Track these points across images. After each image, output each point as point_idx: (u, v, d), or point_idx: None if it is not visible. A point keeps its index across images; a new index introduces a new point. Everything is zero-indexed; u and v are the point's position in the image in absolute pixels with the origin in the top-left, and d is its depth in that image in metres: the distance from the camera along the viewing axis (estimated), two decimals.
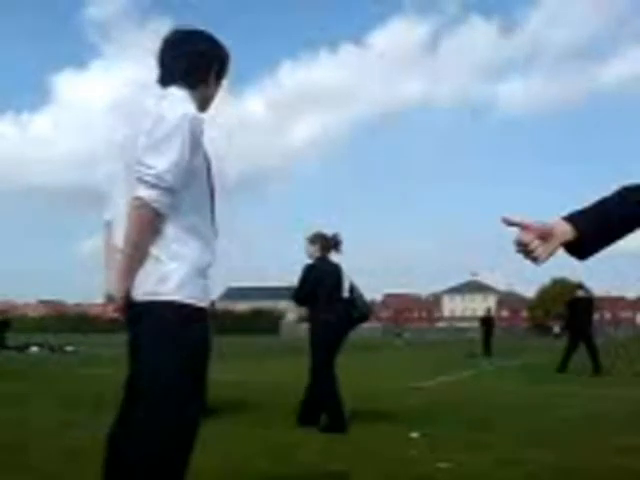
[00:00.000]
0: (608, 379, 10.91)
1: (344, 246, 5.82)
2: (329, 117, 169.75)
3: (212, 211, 2.25)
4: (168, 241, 2.06)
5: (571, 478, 3.92)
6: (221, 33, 2.38)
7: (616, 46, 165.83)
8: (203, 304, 2.11)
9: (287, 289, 70.98)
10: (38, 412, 6.23)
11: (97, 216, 2.34)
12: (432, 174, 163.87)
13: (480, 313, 22.73)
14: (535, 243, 1.50)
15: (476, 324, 26.80)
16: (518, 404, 7.48)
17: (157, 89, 2.26)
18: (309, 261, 5.69)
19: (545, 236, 1.50)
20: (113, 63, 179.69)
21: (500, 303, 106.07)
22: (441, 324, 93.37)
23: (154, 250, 2.05)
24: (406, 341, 40.93)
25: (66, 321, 71.73)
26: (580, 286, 13.01)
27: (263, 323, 69.66)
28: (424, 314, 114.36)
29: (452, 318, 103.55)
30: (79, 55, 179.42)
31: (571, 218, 1.55)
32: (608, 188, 1.65)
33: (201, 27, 2.37)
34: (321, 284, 5.53)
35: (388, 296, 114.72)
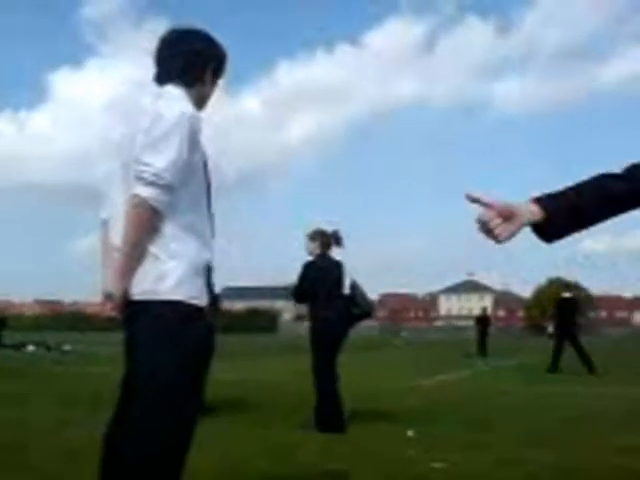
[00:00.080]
0: (605, 378, 10.93)
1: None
2: (326, 116, 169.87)
3: (210, 209, 2.25)
4: (166, 239, 2.06)
5: (571, 478, 3.92)
6: (218, 32, 2.38)
7: (613, 46, 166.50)
8: (201, 303, 2.11)
9: (284, 289, 71.02)
10: (37, 411, 6.22)
11: (94, 214, 2.34)
12: (428, 173, 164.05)
13: (476, 312, 22.71)
14: (496, 221, 1.45)
15: (472, 323, 26.80)
16: (516, 404, 7.49)
17: (154, 87, 2.26)
18: (309, 258, 5.66)
19: (508, 215, 1.46)
20: (109, 62, 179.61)
21: (496, 303, 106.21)
22: (438, 323, 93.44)
23: (152, 248, 2.04)
24: (405, 340, 40.93)
25: (62, 320, 71.57)
26: (567, 286, 13.17)
27: (260, 322, 69.60)
28: (420, 314, 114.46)
29: (448, 317, 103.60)
30: (76, 54, 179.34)
31: (540, 199, 1.50)
32: None
33: (198, 26, 2.37)
34: (321, 281, 5.50)
35: (385, 295, 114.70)
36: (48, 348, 20.32)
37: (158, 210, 2.00)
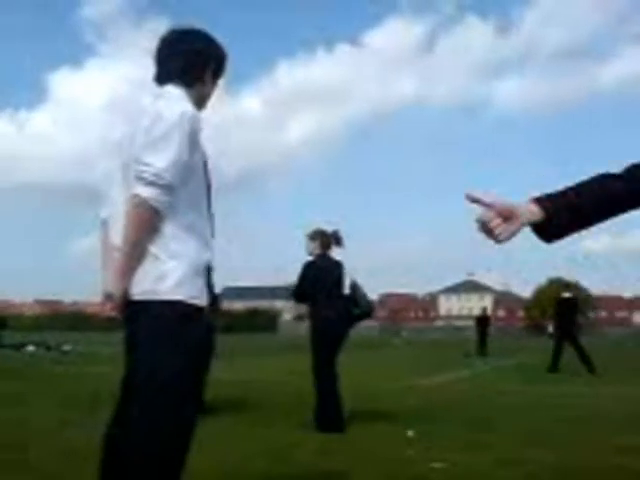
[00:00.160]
0: (605, 378, 10.93)
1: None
2: (326, 116, 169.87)
3: (210, 209, 2.25)
4: (166, 239, 2.06)
5: (571, 478, 3.92)
6: (217, 32, 2.38)
7: (613, 46, 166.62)
8: (201, 303, 2.11)
9: (284, 289, 71.04)
10: (37, 411, 6.21)
11: (94, 214, 2.34)
12: (428, 173, 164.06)
13: (476, 313, 22.71)
14: (496, 222, 1.45)
15: (472, 323, 26.79)
16: (516, 403, 7.48)
17: (154, 87, 2.26)
18: (309, 258, 5.66)
19: (508, 215, 1.46)
20: (109, 62, 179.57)
21: (496, 303, 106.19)
22: (438, 323, 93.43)
23: (152, 248, 2.04)
24: (406, 340, 40.91)
25: (62, 320, 71.56)
26: (567, 286, 13.17)
27: (260, 321, 69.61)
28: (420, 314, 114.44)
29: (448, 317, 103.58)
30: (75, 54, 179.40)
31: (539, 199, 1.50)
32: None
33: (198, 26, 2.37)
34: (321, 281, 5.50)
35: (385, 295, 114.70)
36: (48, 348, 20.31)
37: (158, 210, 2.00)
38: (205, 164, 2.25)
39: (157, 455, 2.02)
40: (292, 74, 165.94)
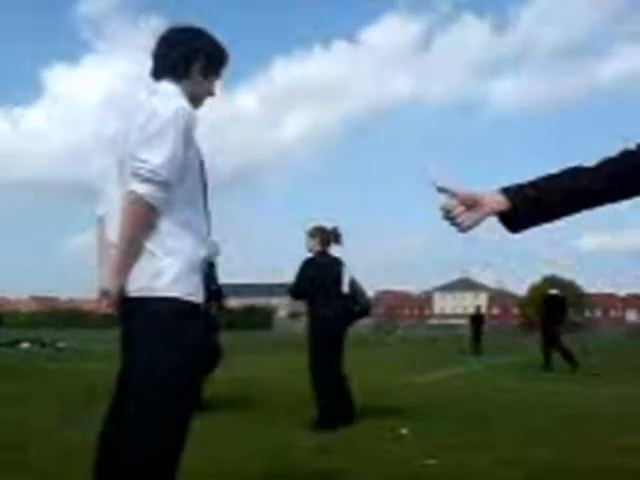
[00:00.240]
0: (603, 378, 10.94)
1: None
2: (322, 113, 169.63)
3: (206, 207, 2.25)
4: (163, 236, 2.06)
5: (570, 477, 3.92)
6: (213, 29, 2.37)
7: (610, 44, 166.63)
8: (198, 299, 2.11)
9: (280, 286, 70.95)
10: (35, 410, 6.17)
11: (90, 211, 2.33)
12: (424, 171, 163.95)
13: (471, 310, 22.72)
14: (458, 210, 1.46)
15: (466, 321, 26.84)
16: (512, 401, 7.49)
17: (150, 83, 2.26)
18: (309, 255, 5.63)
19: (471, 204, 1.47)
20: (105, 59, 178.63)
21: (491, 301, 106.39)
22: (432, 321, 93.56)
23: (149, 245, 2.04)
24: (400, 338, 40.94)
25: (58, 317, 71.38)
26: (562, 285, 13.37)
27: (256, 319, 69.56)
28: (415, 311, 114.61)
29: (443, 315, 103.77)
30: (72, 51, 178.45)
31: (507, 189, 1.51)
32: None
33: (195, 24, 2.37)
34: (320, 278, 5.47)
35: (380, 293, 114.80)
36: (43, 345, 20.27)
37: (155, 207, 2.00)
38: (202, 162, 2.25)
39: (153, 452, 2.02)
40: (288, 71, 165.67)
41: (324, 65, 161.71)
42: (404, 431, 5.09)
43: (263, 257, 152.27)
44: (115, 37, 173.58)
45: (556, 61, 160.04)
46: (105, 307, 2.11)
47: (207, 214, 2.26)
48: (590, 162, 1.58)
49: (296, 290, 5.62)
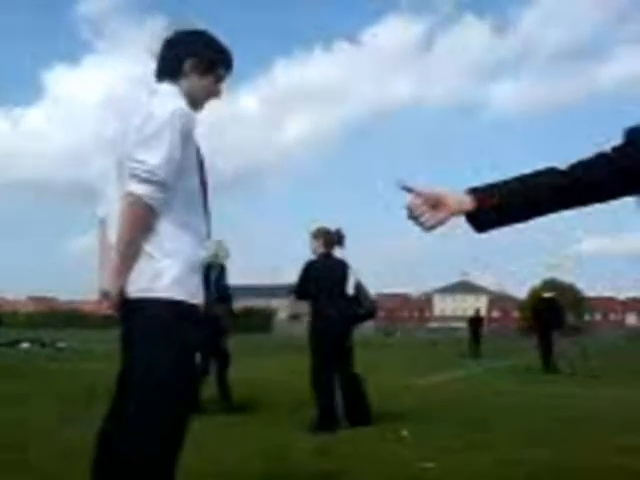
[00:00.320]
0: (603, 380, 10.93)
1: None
2: (323, 114, 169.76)
3: (205, 207, 2.25)
4: (162, 237, 2.06)
5: (570, 478, 3.92)
6: (215, 30, 2.36)
7: (611, 46, 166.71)
8: (197, 300, 2.11)
9: (280, 288, 70.87)
10: (35, 410, 6.18)
11: (90, 212, 2.33)
12: (423, 173, 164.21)
13: (471, 313, 22.64)
14: (422, 209, 1.46)
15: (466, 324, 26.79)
16: (512, 404, 7.49)
17: (150, 84, 2.26)
18: (312, 257, 5.62)
19: (436, 204, 1.47)
20: (106, 59, 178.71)
21: (491, 303, 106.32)
22: (432, 324, 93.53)
23: (148, 247, 2.04)
24: (398, 340, 40.95)
25: (57, 317, 71.35)
26: (548, 287, 13.52)
27: (255, 321, 69.50)
28: (416, 314, 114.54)
29: (443, 318, 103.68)
30: (72, 51, 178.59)
31: (474, 190, 1.51)
32: None
33: (196, 24, 2.37)
34: (323, 280, 5.46)
35: (380, 296, 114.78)
36: (42, 345, 20.27)
37: (153, 207, 2.00)
38: (201, 162, 2.25)
39: (152, 451, 2.02)
40: (289, 73, 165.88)
41: (325, 66, 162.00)
42: (404, 433, 5.08)
43: (263, 258, 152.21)
44: (115, 37, 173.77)
45: (556, 63, 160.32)
46: (105, 308, 2.11)
47: (207, 215, 2.26)
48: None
49: (299, 291, 5.60)
